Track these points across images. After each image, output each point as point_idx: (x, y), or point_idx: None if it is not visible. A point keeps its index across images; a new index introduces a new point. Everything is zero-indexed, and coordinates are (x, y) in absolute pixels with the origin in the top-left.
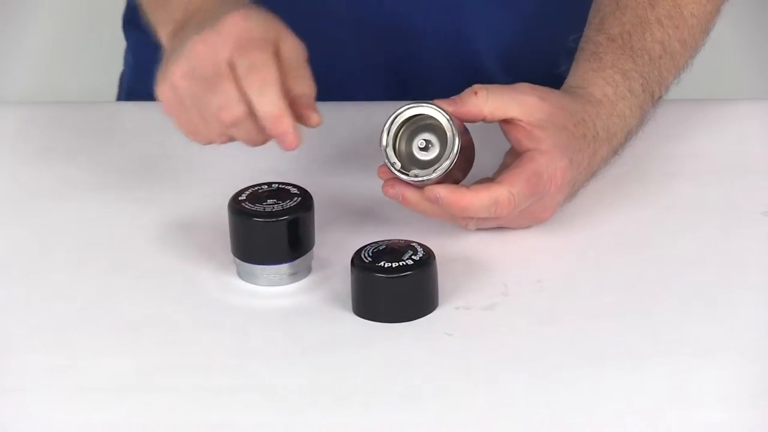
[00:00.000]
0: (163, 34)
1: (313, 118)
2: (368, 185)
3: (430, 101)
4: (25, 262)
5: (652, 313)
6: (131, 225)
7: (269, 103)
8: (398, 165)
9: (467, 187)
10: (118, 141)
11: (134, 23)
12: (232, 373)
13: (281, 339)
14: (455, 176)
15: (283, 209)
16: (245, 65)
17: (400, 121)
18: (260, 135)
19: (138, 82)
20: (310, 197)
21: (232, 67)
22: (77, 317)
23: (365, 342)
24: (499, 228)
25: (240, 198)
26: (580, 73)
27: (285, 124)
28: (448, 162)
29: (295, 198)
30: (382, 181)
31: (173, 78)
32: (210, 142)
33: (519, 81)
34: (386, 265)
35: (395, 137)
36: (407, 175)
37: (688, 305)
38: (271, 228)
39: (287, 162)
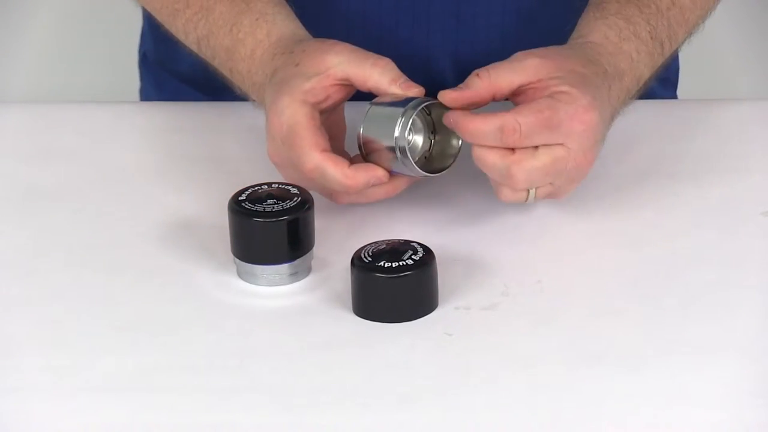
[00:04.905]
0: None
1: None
2: None
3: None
4: (25, 262)
5: (652, 313)
6: (131, 225)
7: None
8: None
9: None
10: (118, 141)
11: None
12: (232, 373)
13: (281, 339)
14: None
15: (283, 209)
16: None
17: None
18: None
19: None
20: (310, 197)
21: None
22: (77, 317)
23: (365, 342)
24: (500, 228)
25: (240, 198)
26: (582, 23)
27: (360, 182)
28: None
29: (295, 198)
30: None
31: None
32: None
33: None
34: (386, 265)
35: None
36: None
37: (688, 305)
38: (271, 228)
39: None
